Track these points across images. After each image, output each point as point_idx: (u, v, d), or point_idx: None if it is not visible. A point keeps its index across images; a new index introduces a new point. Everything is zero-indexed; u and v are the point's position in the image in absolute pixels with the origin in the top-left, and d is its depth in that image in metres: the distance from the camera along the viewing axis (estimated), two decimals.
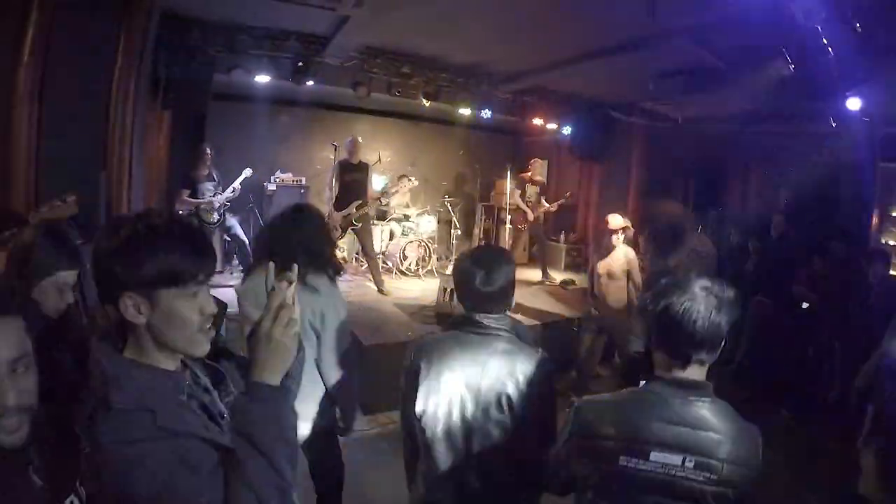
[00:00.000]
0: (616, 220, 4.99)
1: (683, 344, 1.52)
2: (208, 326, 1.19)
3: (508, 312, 2.03)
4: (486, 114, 8.12)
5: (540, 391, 1.88)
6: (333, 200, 6.96)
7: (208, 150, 7.11)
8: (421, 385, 1.93)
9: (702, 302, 1.49)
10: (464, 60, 7.10)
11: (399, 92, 7.25)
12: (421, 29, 5.92)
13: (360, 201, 7.02)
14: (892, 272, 5.49)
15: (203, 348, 1.20)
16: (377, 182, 8.84)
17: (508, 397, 1.84)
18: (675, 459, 1.49)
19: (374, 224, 7.90)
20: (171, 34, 5.62)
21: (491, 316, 1.94)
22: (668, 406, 1.53)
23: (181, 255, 1.12)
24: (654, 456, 1.50)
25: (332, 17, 5.57)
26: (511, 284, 1.99)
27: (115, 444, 1.03)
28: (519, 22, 5.41)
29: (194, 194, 6.96)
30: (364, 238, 7.20)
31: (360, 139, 7.14)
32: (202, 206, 6.96)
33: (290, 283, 1.21)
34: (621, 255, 4.96)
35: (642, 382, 1.63)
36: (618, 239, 4.98)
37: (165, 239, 1.11)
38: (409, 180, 8.55)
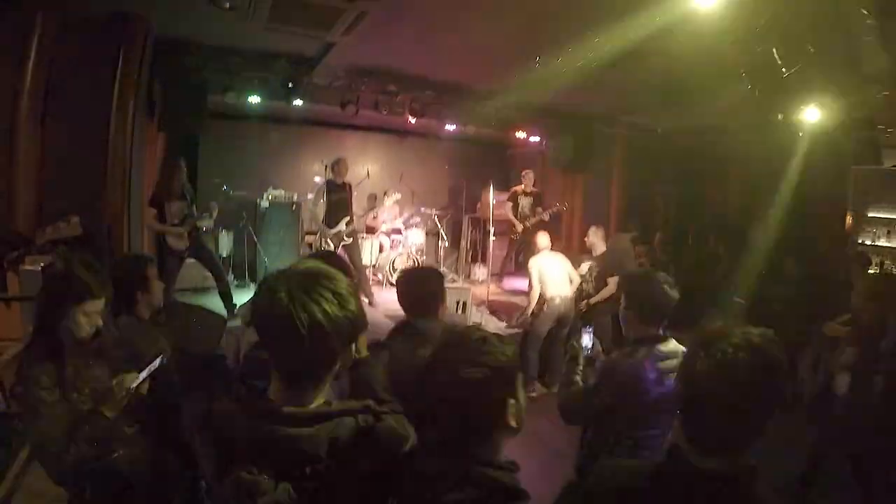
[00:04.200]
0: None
1: None
2: None
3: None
4: (471, 129, 8.35)
5: None
6: (323, 217, 7.24)
7: (181, 164, 6.16)
8: None
9: None
10: (447, 78, 7.34)
11: (386, 109, 7.45)
12: (404, 49, 6.16)
13: (348, 217, 7.29)
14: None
15: None
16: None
17: None
18: None
19: (363, 238, 8.10)
20: (166, 57, 5.83)
21: None
22: None
23: None
24: None
25: (319, 41, 5.82)
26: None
27: None
28: (497, 44, 5.65)
29: (162, 215, 5.97)
30: (353, 252, 7.43)
31: (346, 159, 7.40)
32: (170, 232, 6.01)
33: None
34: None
35: None
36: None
37: None
38: (392, 194, 8.84)
